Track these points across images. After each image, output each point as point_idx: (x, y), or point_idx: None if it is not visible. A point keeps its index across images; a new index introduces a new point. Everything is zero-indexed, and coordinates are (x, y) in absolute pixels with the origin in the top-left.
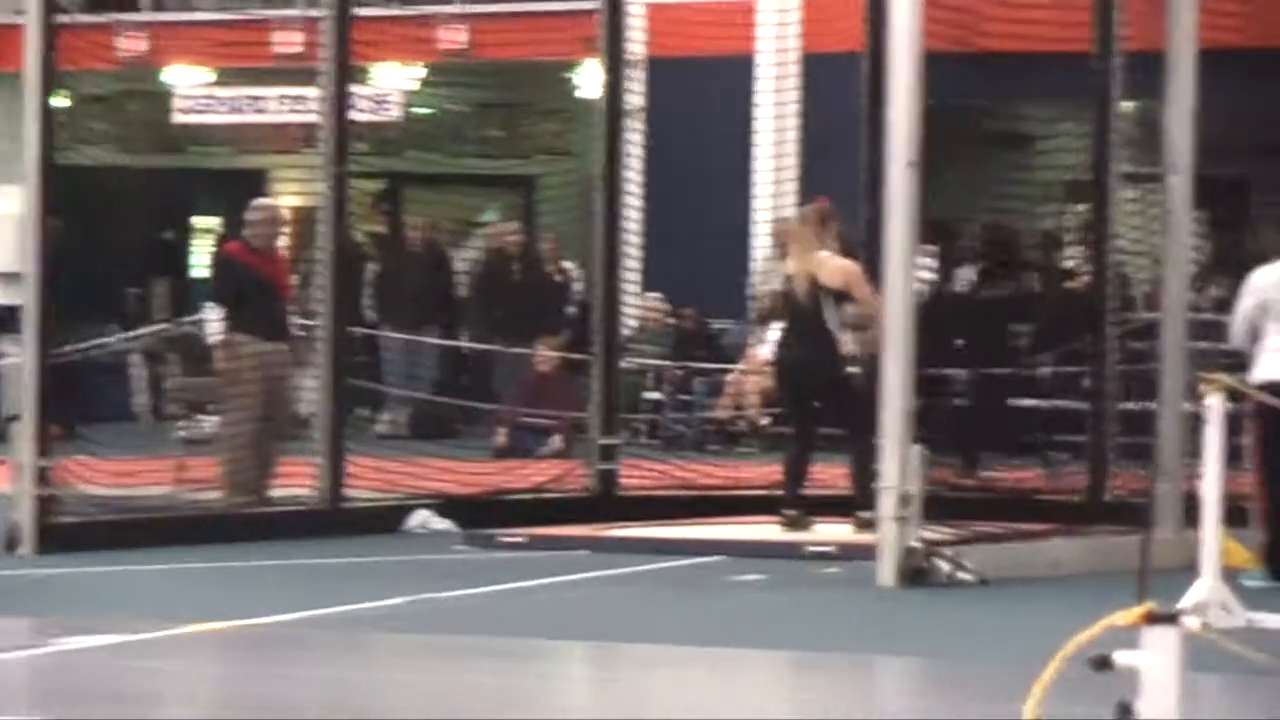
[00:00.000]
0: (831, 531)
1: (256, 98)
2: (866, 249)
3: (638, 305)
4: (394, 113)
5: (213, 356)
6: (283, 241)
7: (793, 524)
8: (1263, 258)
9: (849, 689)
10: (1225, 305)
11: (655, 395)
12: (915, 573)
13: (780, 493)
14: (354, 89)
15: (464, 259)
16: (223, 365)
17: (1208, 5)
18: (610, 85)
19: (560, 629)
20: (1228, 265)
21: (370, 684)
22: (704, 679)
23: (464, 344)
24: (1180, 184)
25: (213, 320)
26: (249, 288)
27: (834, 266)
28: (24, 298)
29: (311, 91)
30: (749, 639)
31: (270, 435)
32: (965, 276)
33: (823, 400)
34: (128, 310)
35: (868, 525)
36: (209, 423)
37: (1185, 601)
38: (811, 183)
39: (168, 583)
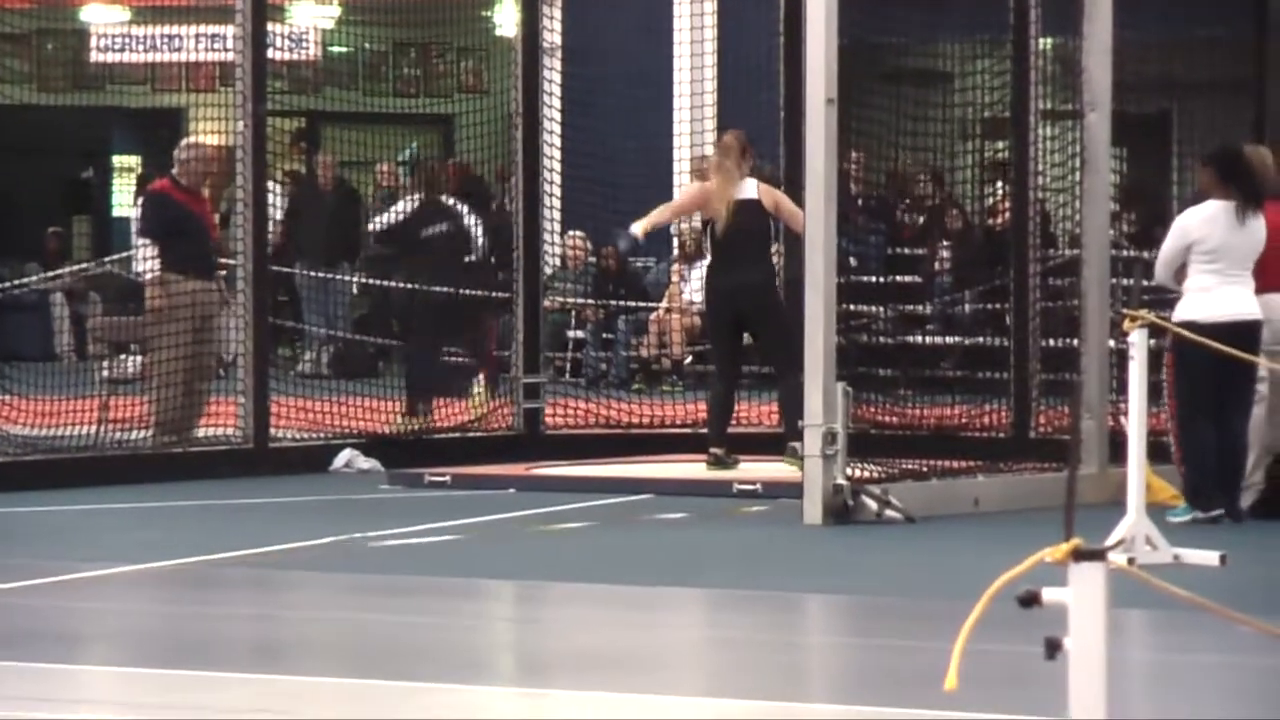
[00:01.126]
0: (757, 469)
1: (173, 36)
2: (786, 186)
3: (559, 243)
4: (311, 51)
5: (144, 294)
6: (213, 178)
7: (719, 462)
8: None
9: (776, 626)
10: (1139, 240)
11: (578, 334)
12: (842, 510)
13: (705, 430)
14: (271, 27)
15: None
16: (155, 303)
17: None
18: (526, 23)
19: (486, 568)
20: (1145, 201)
21: (296, 623)
22: (630, 617)
23: (386, 283)
24: (1099, 121)
25: (145, 258)
26: (179, 226)
27: (765, 189)
28: None
29: (228, 30)
30: (675, 577)
31: (198, 375)
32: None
33: (759, 327)
34: (48, 249)
35: (800, 457)
36: (132, 362)
37: (1112, 538)
38: (730, 120)
39: (92, 523)
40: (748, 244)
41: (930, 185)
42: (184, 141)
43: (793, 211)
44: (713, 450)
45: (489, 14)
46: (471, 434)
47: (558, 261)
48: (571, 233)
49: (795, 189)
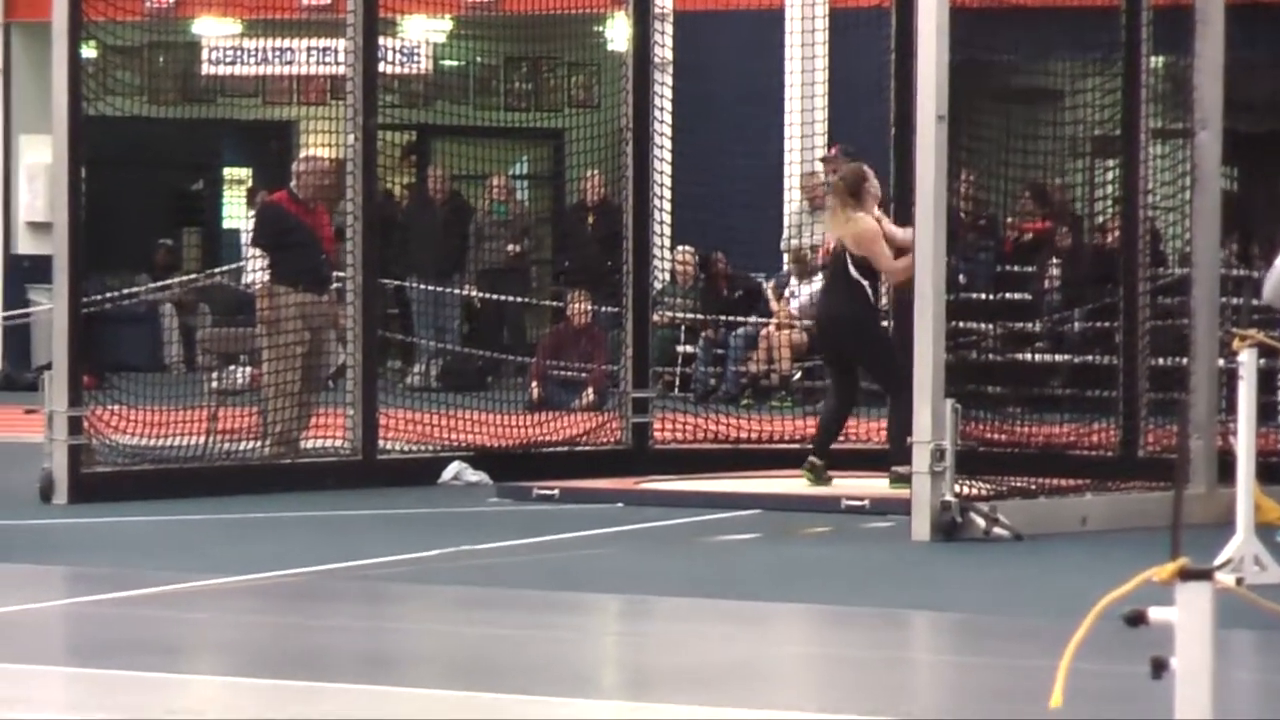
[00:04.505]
0: (866, 486)
1: (284, 49)
2: (896, 203)
3: (668, 258)
4: (422, 65)
5: (254, 305)
6: (327, 191)
7: (813, 473)
8: None
9: (882, 643)
10: (1250, 260)
11: (687, 349)
12: (949, 527)
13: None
14: (382, 41)
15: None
16: (264, 314)
17: None
18: (638, 38)
19: (592, 582)
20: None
21: (402, 635)
22: (737, 632)
23: (495, 296)
24: (1210, 140)
25: (254, 269)
26: (291, 238)
27: (855, 231)
28: (54, 247)
29: (339, 43)
30: (783, 593)
31: (308, 386)
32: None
33: (853, 354)
34: (157, 261)
35: (903, 479)
36: (241, 373)
37: (1219, 558)
38: (840, 136)
39: (201, 533)
40: (833, 275)
41: (1039, 204)
42: (302, 154)
43: (878, 261)
44: (812, 459)
45: (600, 29)
46: (580, 448)
47: (667, 277)
48: (681, 248)
49: (905, 206)
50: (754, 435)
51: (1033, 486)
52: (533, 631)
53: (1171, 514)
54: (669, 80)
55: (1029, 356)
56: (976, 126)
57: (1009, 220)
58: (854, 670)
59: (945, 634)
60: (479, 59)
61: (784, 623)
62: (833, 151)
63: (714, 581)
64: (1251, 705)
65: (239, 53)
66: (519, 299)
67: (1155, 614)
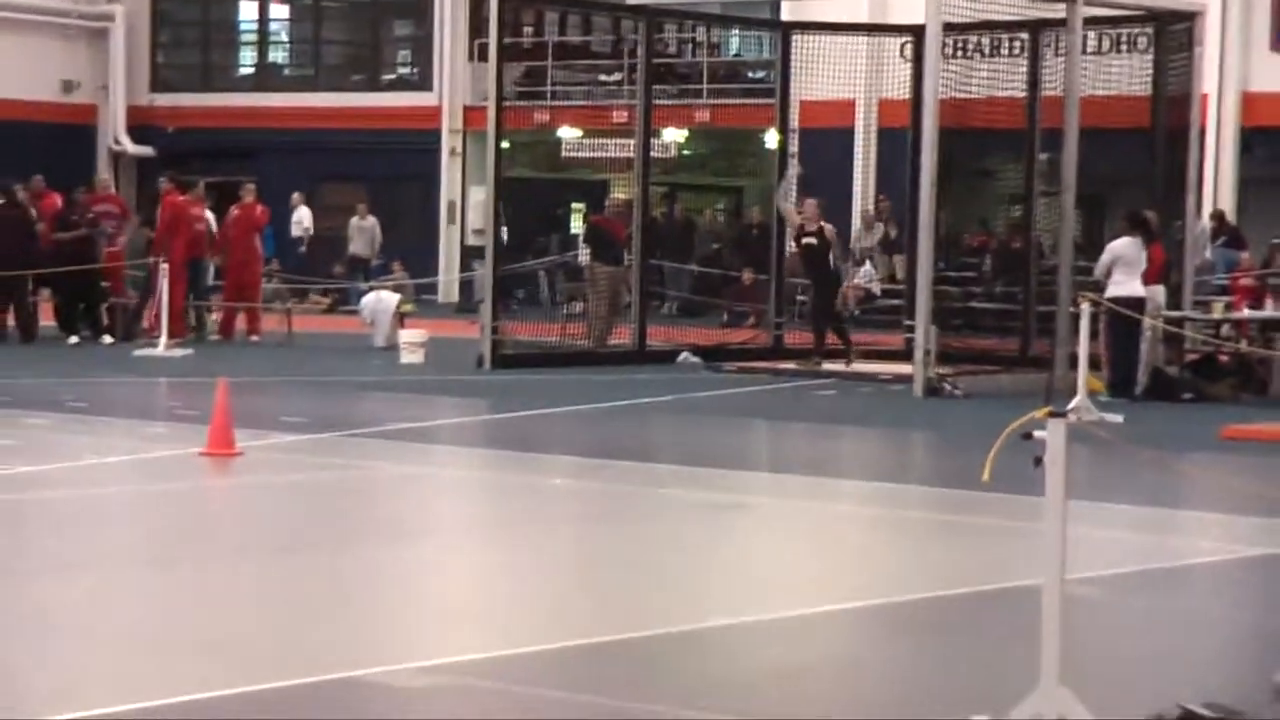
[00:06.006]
0: (890, 368)
1: (603, 143)
2: (911, 221)
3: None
4: (671, 152)
5: (584, 273)
6: (623, 216)
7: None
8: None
9: (897, 446)
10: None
11: (802, 298)
12: (931, 390)
13: (858, 348)
14: (652, 140)
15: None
16: (589, 275)
17: (1085, 102)
18: (781, 141)
19: (751, 412)
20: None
21: (657, 434)
22: (818, 439)
23: (707, 269)
24: (1069, 198)
25: (584, 254)
26: (603, 238)
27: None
28: (486, 241)
29: (630, 140)
30: (845, 419)
31: (612, 313)
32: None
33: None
34: (538, 248)
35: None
36: (579, 306)
37: (1069, 406)
38: (882, 189)
39: (555, 386)
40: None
41: (983, 227)
42: (610, 197)
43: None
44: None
45: (763, 135)
46: (747, 347)
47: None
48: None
49: (913, 227)
50: (835, 342)
51: (974, 370)
52: (718, 434)
53: (1046, 385)
54: (796, 162)
55: (974, 304)
56: (950, 188)
57: (966, 235)
58: (880, 452)
59: (929, 443)
60: (699, 149)
61: (842, 436)
62: (882, 198)
63: (809, 412)
64: (1087, 480)
65: (580, 144)
66: (718, 271)
67: (1038, 434)
